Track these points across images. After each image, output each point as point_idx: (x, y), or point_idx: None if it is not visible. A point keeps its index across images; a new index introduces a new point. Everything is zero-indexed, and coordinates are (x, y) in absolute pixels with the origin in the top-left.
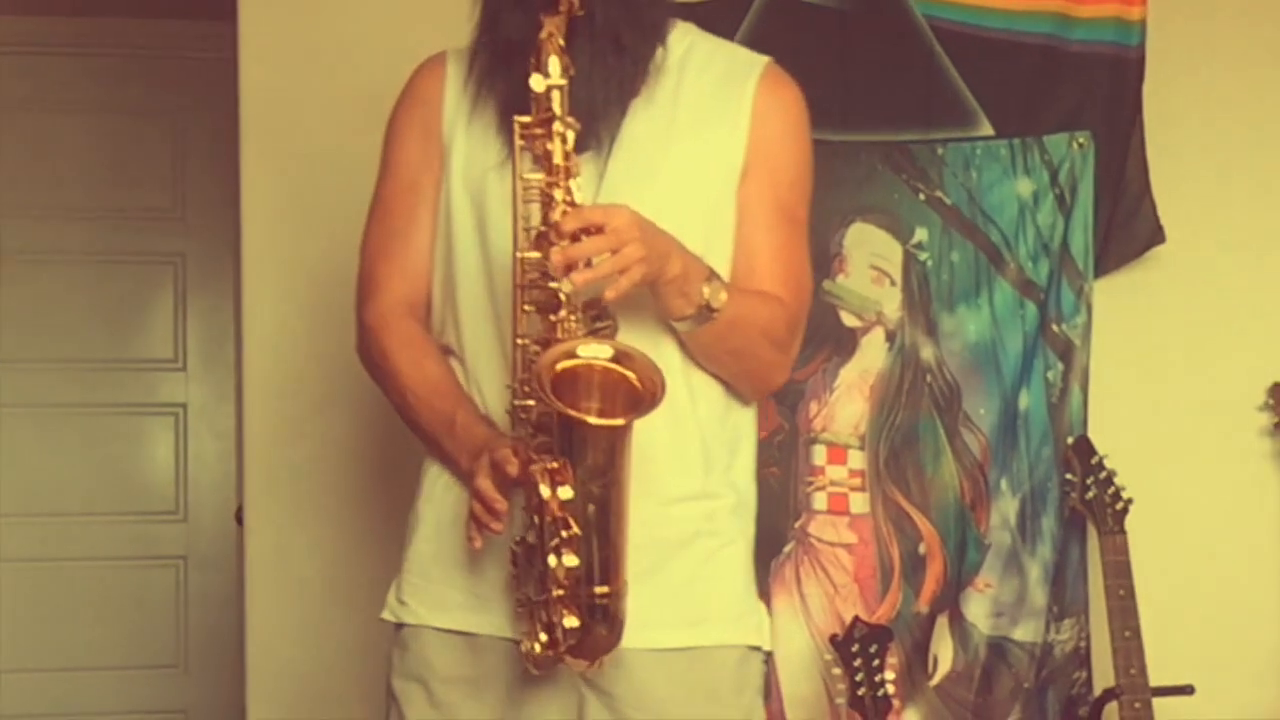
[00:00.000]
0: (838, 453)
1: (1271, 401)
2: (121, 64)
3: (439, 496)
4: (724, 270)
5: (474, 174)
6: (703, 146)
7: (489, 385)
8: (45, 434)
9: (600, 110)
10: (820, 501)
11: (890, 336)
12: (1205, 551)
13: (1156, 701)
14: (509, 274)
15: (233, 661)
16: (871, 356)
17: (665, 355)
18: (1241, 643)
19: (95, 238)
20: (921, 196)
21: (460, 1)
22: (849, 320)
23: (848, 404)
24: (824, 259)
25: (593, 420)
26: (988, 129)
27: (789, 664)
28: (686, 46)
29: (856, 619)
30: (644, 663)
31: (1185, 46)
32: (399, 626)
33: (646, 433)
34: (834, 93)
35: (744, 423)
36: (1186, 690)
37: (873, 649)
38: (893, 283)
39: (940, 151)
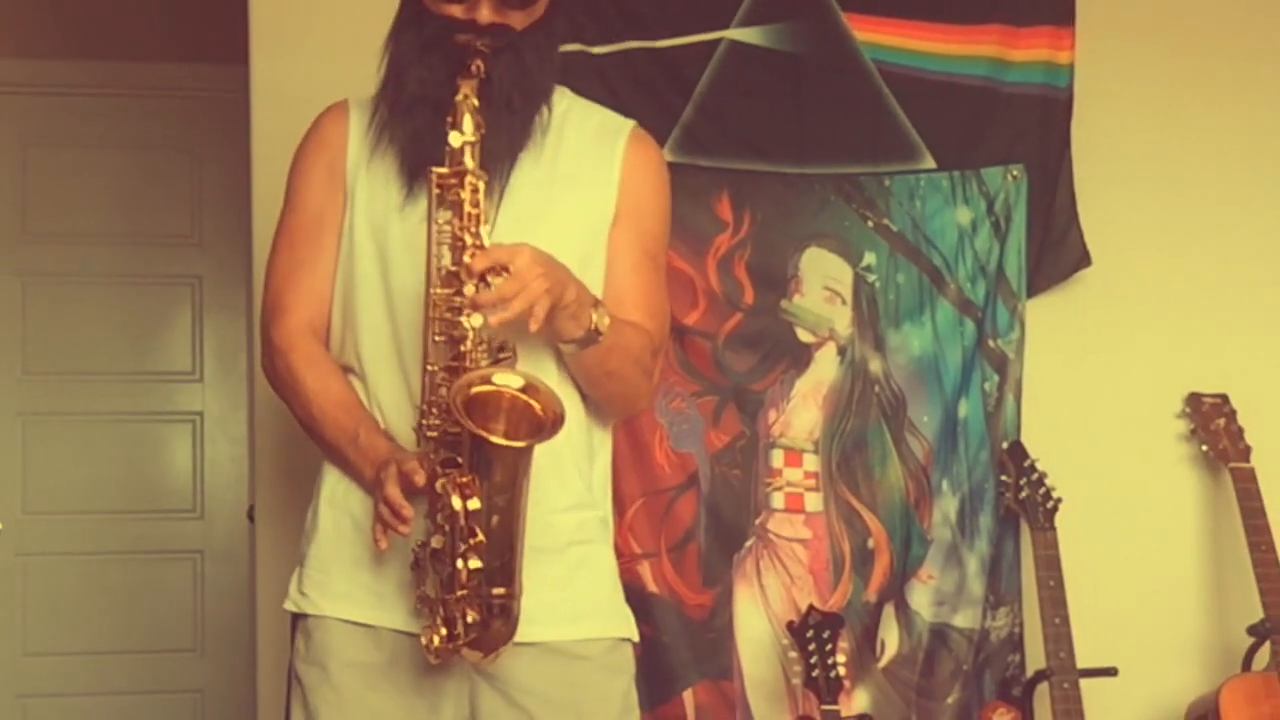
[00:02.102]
0: (794, 456)
1: (1187, 409)
2: (144, 103)
3: (339, 500)
4: None
5: (376, 214)
6: (580, 196)
7: (388, 403)
8: (74, 440)
9: (492, 163)
10: (778, 501)
11: (842, 351)
12: (1128, 546)
13: (1083, 682)
14: (410, 305)
15: (244, 646)
16: (824, 369)
17: (545, 376)
18: (1160, 629)
19: (120, 261)
20: (870, 224)
21: None
22: (804, 336)
23: (803, 412)
24: (781, 280)
25: (502, 441)
26: (930, 162)
27: (750, 648)
28: (565, 108)
29: (811, 607)
30: (529, 654)
31: (1109, 88)
32: (302, 617)
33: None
34: (790, 130)
35: (601, 441)
36: (1110, 672)
37: (826, 634)
38: (844, 302)
39: (887, 183)
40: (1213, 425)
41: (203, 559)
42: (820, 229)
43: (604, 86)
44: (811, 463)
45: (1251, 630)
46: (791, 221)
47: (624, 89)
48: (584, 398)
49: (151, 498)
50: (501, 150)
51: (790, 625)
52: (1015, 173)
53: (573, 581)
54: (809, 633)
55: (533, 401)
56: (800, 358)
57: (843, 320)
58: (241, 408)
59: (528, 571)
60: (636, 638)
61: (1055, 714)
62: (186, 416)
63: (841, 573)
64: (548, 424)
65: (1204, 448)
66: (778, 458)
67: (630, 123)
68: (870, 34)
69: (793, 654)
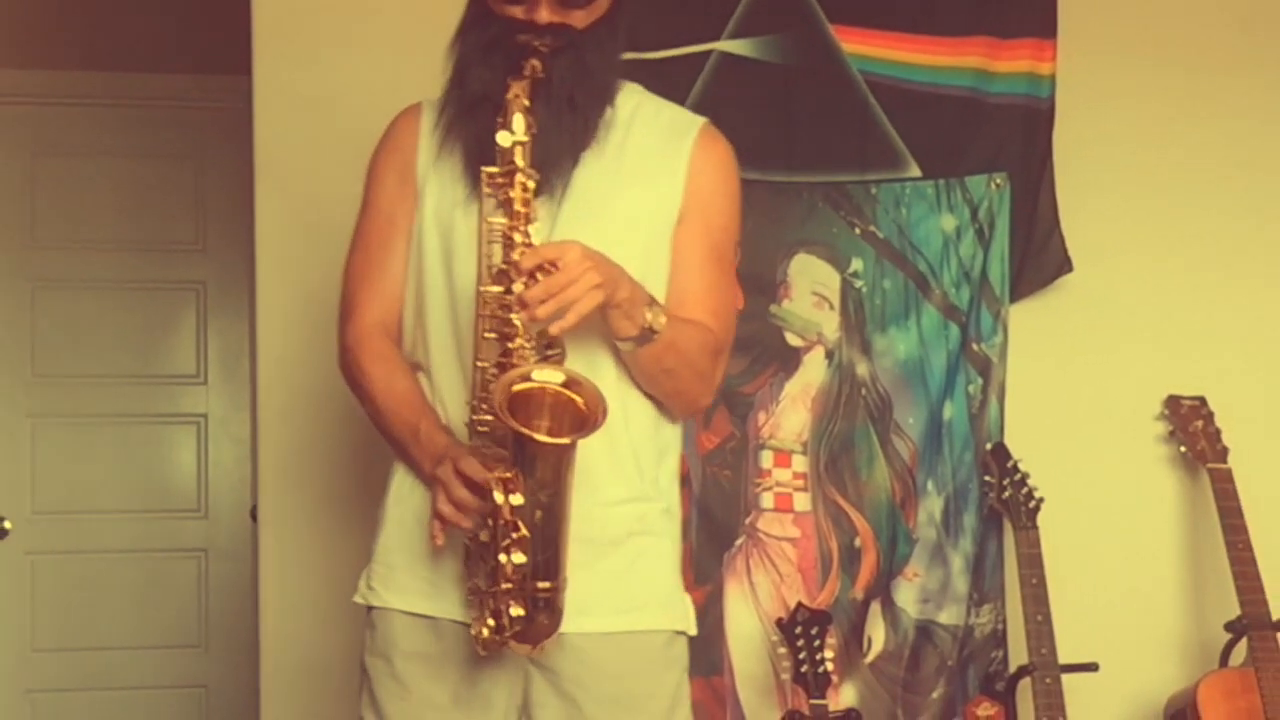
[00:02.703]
0: (783, 457)
1: (1166, 412)
2: (149, 113)
3: (405, 497)
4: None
5: (443, 212)
6: (645, 194)
7: (451, 399)
8: (82, 441)
9: (554, 161)
10: (768, 500)
11: (829, 355)
12: (1108, 544)
13: (1065, 677)
14: (469, 301)
15: (248, 642)
16: (813, 372)
17: (602, 374)
18: (1140, 625)
19: (126, 267)
20: (857, 231)
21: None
22: (793, 340)
23: (792, 414)
24: (770, 286)
25: (542, 438)
26: (915, 171)
27: (740, 644)
28: (634, 105)
29: (800, 604)
30: (583, 644)
31: (1091, 99)
32: (369, 609)
33: (587, 444)
34: (779, 139)
35: (672, 437)
36: (1091, 667)
37: (814, 631)
38: (831, 307)
39: (873, 191)
40: (1191, 427)
41: (207, 557)
42: (808, 235)
43: None
44: (800, 463)
45: (1229, 626)
46: (780, 228)
47: None
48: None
49: (157, 498)
50: (564, 148)
51: (779, 622)
52: (999, 181)
53: (630, 573)
54: (798, 629)
55: (575, 396)
56: (789, 361)
57: (830, 325)
58: (245, 410)
59: (584, 560)
60: (693, 631)
61: (1037, 709)
62: (191, 418)
63: (829, 571)
64: (591, 419)
65: (1182, 449)
66: (767, 458)
67: (701, 120)
68: (857, 45)
69: (782, 650)
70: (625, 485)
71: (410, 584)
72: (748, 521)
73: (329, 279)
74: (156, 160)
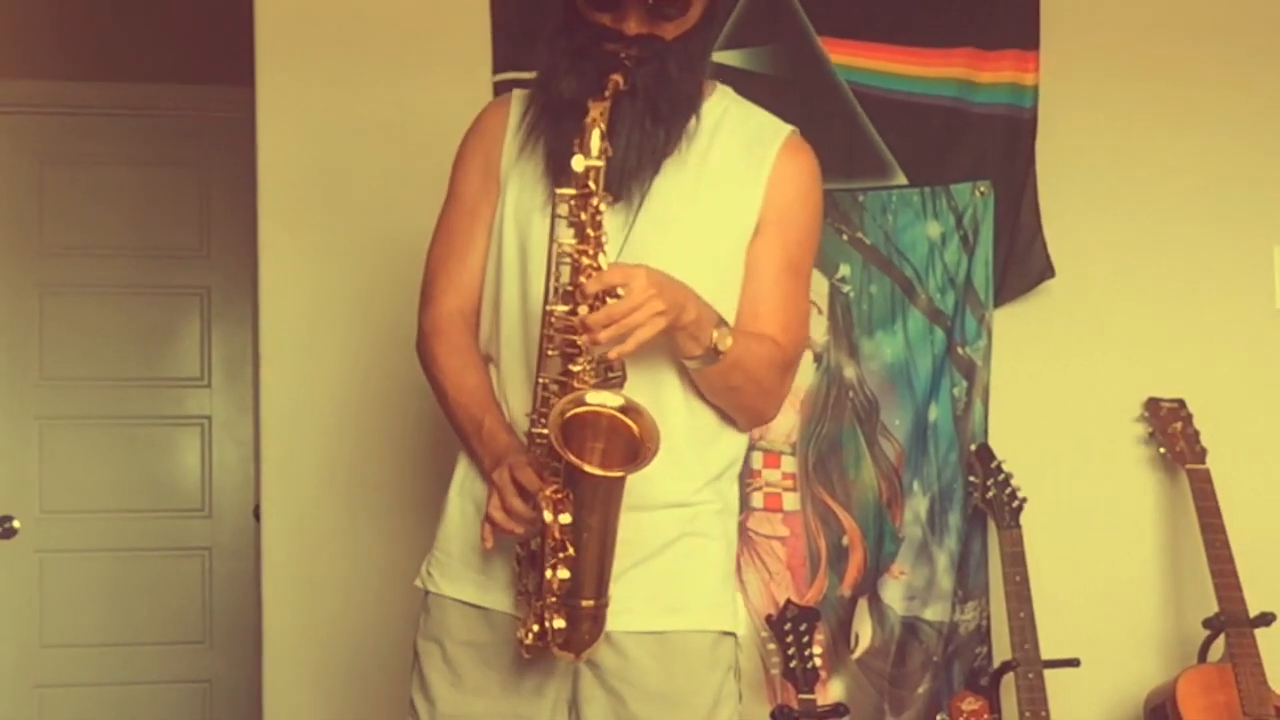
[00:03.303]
0: (773, 458)
1: (1145, 414)
2: (155, 123)
3: (467, 487)
4: (730, 312)
5: (522, 210)
6: (723, 202)
7: (514, 396)
8: (89, 442)
9: (634, 169)
10: (758, 500)
11: (818, 358)
12: (1089, 543)
13: (1047, 672)
14: (541, 302)
15: (251, 638)
16: (802, 375)
17: (667, 386)
18: (1120, 622)
19: (132, 273)
20: (845, 237)
21: (448, 69)
22: None
23: (781, 416)
24: None
25: (592, 470)
26: (902, 179)
27: None
28: (722, 111)
29: (789, 601)
30: (631, 643)
31: (1072, 109)
32: (426, 594)
33: None
34: None
35: (735, 446)
36: (1073, 663)
37: (803, 627)
38: (820, 311)
39: (861, 198)
40: (1170, 429)
41: (211, 556)
42: None
43: None
44: (789, 464)
45: (1207, 623)
46: None
47: None
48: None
49: (162, 497)
50: (645, 158)
51: (769, 618)
52: (983, 189)
53: (680, 574)
54: (787, 625)
55: (631, 423)
56: None
57: (819, 329)
58: (248, 412)
59: (634, 560)
60: (742, 630)
61: (1020, 703)
62: (195, 420)
63: (817, 569)
64: (645, 450)
65: (1162, 450)
66: (757, 459)
67: (788, 128)
68: (845, 57)
69: (771, 646)
70: (680, 492)
71: (466, 574)
72: (738, 521)
73: (330, 285)
74: (162, 169)
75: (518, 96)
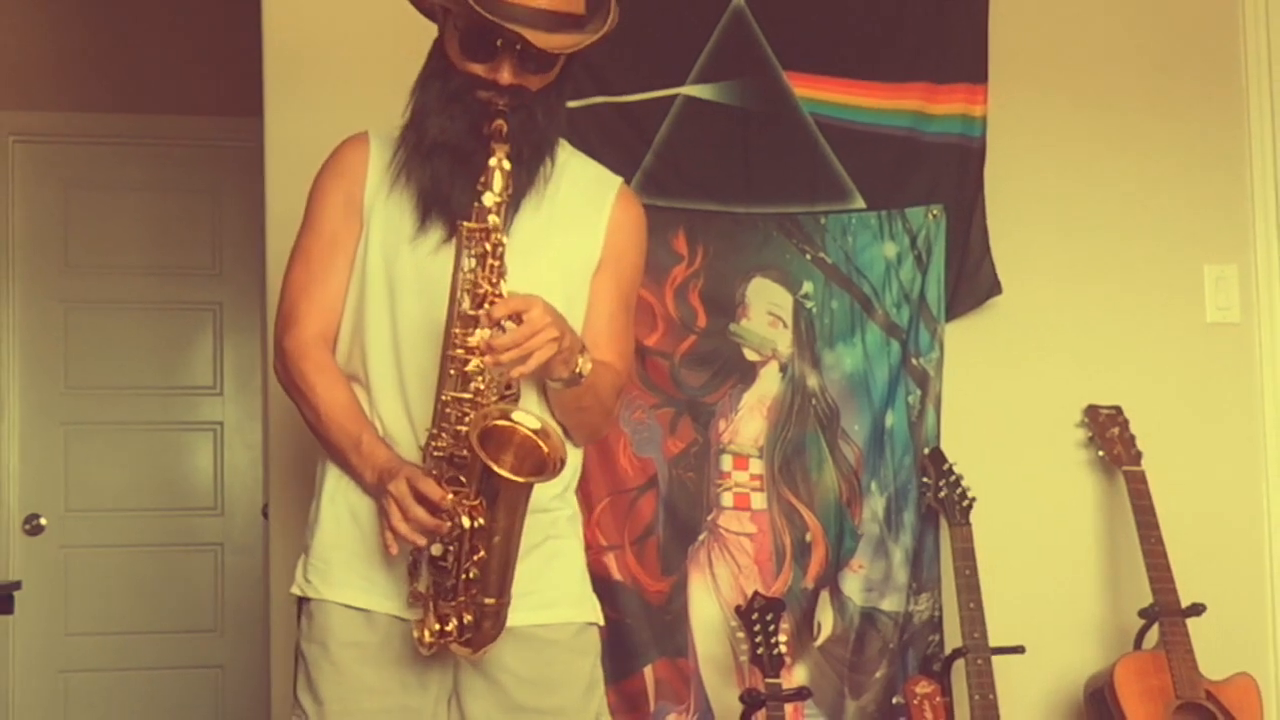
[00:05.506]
0: (741, 461)
1: (1085, 419)
2: (171, 152)
3: (339, 496)
4: None
5: (389, 243)
6: (571, 241)
7: (389, 414)
8: (110, 446)
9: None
10: (728, 500)
11: (783, 368)
12: (1034, 539)
13: (995, 658)
14: (414, 329)
15: (259, 628)
16: (768, 384)
17: (529, 405)
18: (1062, 612)
19: (150, 289)
20: (808, 257)
21: None
22: (750, 355)
23: (749, 422)
24: (730, 306)
25: (507, 475)
26: (860, 203)
27: (702, 629)
28: (564, 159)
29: (756, 593)
30: (507, 637)
31: (1018, 138)
32: (306, 600)
33: None
34: (738, 174)
35: (576, 458)
36: (1019, 650)
37: (769, 617)
38: (785, 325)
39: (823, 221)
40: (1108, 433)
41: (222, 551)
42: (764, 261)
43: (575, 136)
44: (757, 466)
45: (1142, 613)
46: (739, 255)
47: (593, 138)
48: None
49: (177, 497)
50: (510, 196)
51: (738, 609)
52: (935, 212)
53: (546, 573)
54: (754, 615)
55: (541, 444)
56: (747, 374)
57: (784, 341)
58: (256, 418)
59: None
60: (602, 621)
61: (970, 687)
62: (208, 426)
63: (783, 563)
64: (551, 465)
65: (1100, 453)
66: (727, 462)
67: (619, 180)
68: (808, 90)
69: (740, 634)
70: (540, 499)
71: (347, 579)
72: (709, 518)
73: None
74: (178, 193)
75: (376, 137)
